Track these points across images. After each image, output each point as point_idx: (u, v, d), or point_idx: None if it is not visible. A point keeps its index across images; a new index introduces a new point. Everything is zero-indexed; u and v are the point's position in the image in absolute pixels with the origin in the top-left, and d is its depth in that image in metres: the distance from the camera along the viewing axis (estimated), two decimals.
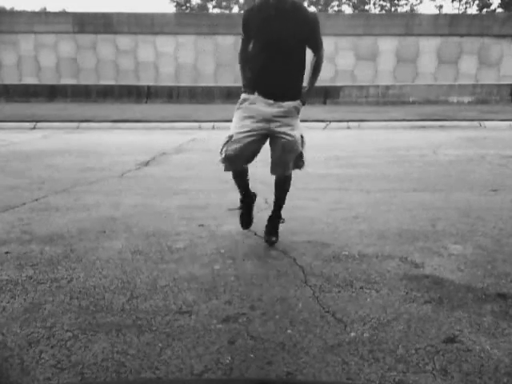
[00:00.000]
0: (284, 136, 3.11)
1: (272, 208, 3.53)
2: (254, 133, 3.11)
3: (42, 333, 2.17)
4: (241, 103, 3.20)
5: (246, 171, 3.40)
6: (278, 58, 3.07)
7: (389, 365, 1.92)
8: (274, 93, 3.11)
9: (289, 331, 2.19)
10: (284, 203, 3.48)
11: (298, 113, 3.23)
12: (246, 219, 3.56)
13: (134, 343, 2.08)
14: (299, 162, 3.26)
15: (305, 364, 1.93)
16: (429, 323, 2.25)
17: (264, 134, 3.15)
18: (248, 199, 3.55)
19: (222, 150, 3.16)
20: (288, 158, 3.18)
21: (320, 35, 3.20)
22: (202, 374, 1.87)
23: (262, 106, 3.12)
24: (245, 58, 3.28)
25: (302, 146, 3.21)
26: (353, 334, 2.15)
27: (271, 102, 3.12)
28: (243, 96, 3.21)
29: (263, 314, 2.36)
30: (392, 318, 2.30)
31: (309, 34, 3.12)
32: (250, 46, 3.21)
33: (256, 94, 3.14)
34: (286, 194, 3.45)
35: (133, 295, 2.57)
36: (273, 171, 3.30)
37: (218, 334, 2.15)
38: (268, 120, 3.11)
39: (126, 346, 2.06)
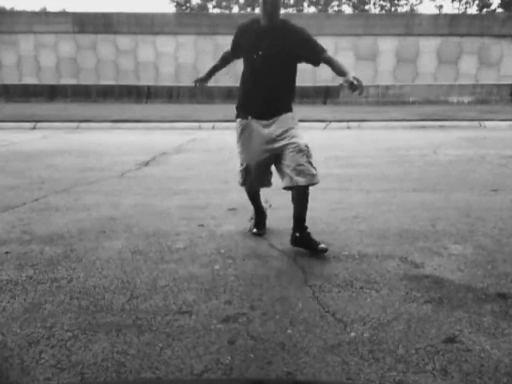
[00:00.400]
0: (289, 145, 3.10)
1: (294, 225, 3.23)
2: (263, 155, 3.21)
3: (41, 333, 2.17)
4: (240, 131, 3.28)
5: (258, 191, 3.63)
6: (268, 77, 3.10)
7: (389, 365, 1.92)
8: (265, 112, 3.16)
9: (289, 331, 2.19)
10: (305, 214, 3.22)
11: (294, 119, 3.24)
12: (260, 225, 3.67)
13: (133, 343, 2.08)
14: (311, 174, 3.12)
15: (305, 364, 1.93)
16: (429, 323, 2.25)
17: (273, 152, 3.20)
18: (260, 215, 3.70)
19: (240, 176, 3.41)
20: (304, 162, 3.07)
21: (316, 41, 3.10)
22: (202, 374, 1.87)
23: (259, 128, 3.18)
24: (226, 58, 3.51)
25: (310, 156, 3.14)
26: (353, 334, 2.15)
27: (265, 122, 3.16)
28: (238, 121, 3.29)
29: (263, 313, 2.36)
30: (392, 318, 2.30)
31: (303, 44, 3.05)
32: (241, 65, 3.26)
33: (249, 117, 3.21)
34: (305, 207, 3.21)
35: (133, 295, 2.57)
36: (293, 182, 3.07)
37: (218, 334, 2.15)
38: (271, 140, 3.16)
39: (126, 346, 2.06)
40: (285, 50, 3.05)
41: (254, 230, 3.61)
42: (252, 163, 3.29)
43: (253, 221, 3.72)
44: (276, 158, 3.21)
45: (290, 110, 3.23)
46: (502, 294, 2.57)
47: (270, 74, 3.10)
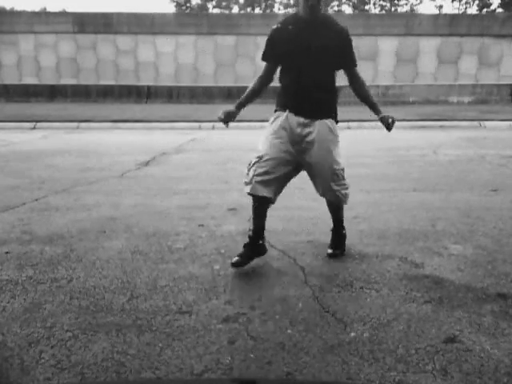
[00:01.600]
0: (318, 161, 2.89)
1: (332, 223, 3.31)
2: (283, 155, 2.86)
3: (41, 333, 2.17)
4: (273, 120, 2.96)
5: (267, 206, 3.05)
6: (309, 71, 2.85)
7: (389, 365, 1.92)
8: (305, 108, 2.87)
9: (289, 331, 2.19)
10: (343, 217, 3.27)
11: (333, 132, 2.95)
12: (244, 255, 2.93)
13: (134, 343, 2.08)
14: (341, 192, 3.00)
15: (305, 364, 1.93)
16: (429, 323, 2.25)
17: (294, 159, 2.91)
18: (255, 240, 3.00)
19: (249, 170, 2.89)
20: (330, 183, 2.94)
21: (353, 51, 3.00)
22: (202, 374, 1.87)
23: (294, 124, 2.87)
24: (261, 83, 3.00)
25: (343, 177, 3.00)
26: (353, 334, 2.15)
27: (302, 120, 2.86)
28: (274, 114, 2.97)
29: (263, 313, 2.36)
30: (392, 318, 2.30)
31: (341, 46, 2.91)
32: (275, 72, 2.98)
33: (287, 111, 2.89)
34: (341, 213, 3.24)
35: (133, 295, 2.57)
36: (322, 194, 3.08)
37: (217, 334, 2.15)
38: (297, 142, 2.87)
39: (126, 346, 2.06)
40: (329, 46, 2.86)
41: (235, 259, 2.88)
42: (270, 156, 2.85)
43: (243, 250, 2.96)
44: (299, 168, 2.99)
45: (331, 115, 2.96)
46: (502, 294, 2.57)
47: (313, 69, 2.85)
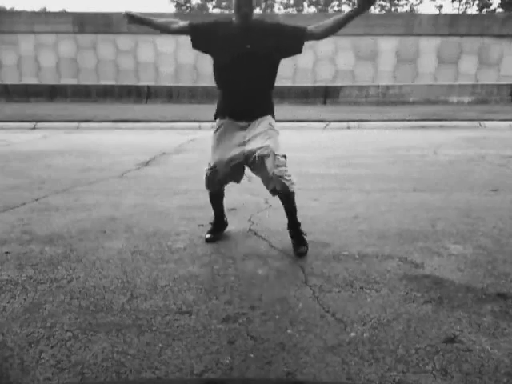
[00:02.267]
0: (259, 151, 2.99)
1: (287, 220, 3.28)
2: (235, 162, 3.12)
3: (42, 333, 2.17)
4: (215, 129, 3.21)
5: (222, 195, 3.47)
6: (244, 77, 2.98)
7: (389, 365, 1.92)
8: (243, 113, 3.08)
9: (289, 331, 2.19)
10: (296, 211, 3.24)
11: (273, 127, 3.11)
12: (215, 230, 3.51)
13: (134, 343, 2.08)
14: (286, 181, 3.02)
15: (305, 364, 1.93)
16: (429, 323, 2.25)
17: (243, 159, 3.11)
18: (220, 220, 3.54)
19: (206, 183, 3.29)
20: (275, 170, 2.97)
21: (293, 26, 3.01)
22: (202, 374, 1.87)
23: (235, 129, 3.11)
24: (170, 25, 3.12)
25: (285, 164, 3.02)
26: (353, 334, 2.15)
27: (243, 123, 3.09)
28: (217, 122, 3.22)
29: (263, 313, 2.36)
30: (392, 318, 2.30)
31: (279, 36, 2.97)
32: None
33: (227, 118, 3.14)
34: (294, 206, 3.22)
35: (133, 295, 2.57)
36: (271, 190, 3.14)
37: (217, 334, 2.15)
38: (243, 143, 3.08)
39: (126, 346, 2.06)
40: (265, 50, 2.95)
41: (207, 236, 3.43)
42: (222, 161, 3.12)
43: (210, 226, 3.52)
44: (247, 161, 3.10)
45: (267, 113, 3.12)
46: (502, 293, 2.57)
47: (248, 75, 2.98)
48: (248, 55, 2.95)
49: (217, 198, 3.46)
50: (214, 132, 3.22)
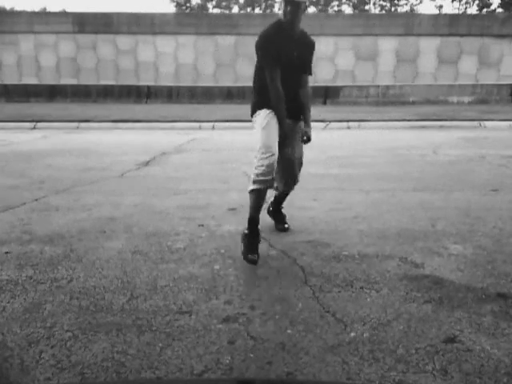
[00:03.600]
0: (295, 154, 3.38)
1: (273, 201, 3.77)
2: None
3: (42, 333, 2.17)
4: (270, 118, 3.14)
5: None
6: (291, 81, 3.19)
7: (389, 365, 1.92)
8: (290, 114, 3.23)
9: (289, 331, 2.19)
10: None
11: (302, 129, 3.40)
12: (254, 248, 3.04)
13: (134, 343, 2.08)
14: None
15: (305, 364, 1.93)
16: (429, 323, 2.25)
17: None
18: (256, 232, 3.13)
19: (268, 171, 3.02)
20: (298, 172, 3.50)
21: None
22: (201, 374, 1.87)
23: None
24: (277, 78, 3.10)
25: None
26: (353, 334, 2.15)
27: (289, 122, 3.25)
28: (264, 111, 3.17)
29: (263, 313, 2.36)
30: (392, 318, 2.30)
31: (309, 57, 3.29)
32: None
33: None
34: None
35: (133, 295, 2.57)
36: (286, 187, 3.57)
37: (218, 334, 2.15)
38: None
39: (126, 346, 2.06)
40: (305, 58, 3.25)
41: (250, 256, 2.95)
42: (275, 147, 3.10)
43: (244, 242, 3.07)
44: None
45: (301, 117, 3.38)
46: (502, 293, 2.57)
47: (295, 80, 3.23)
48: (297, 62, 3.20)
49: (265, 195, 3.16)
50: (269, 119, 3.13)
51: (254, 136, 3.19)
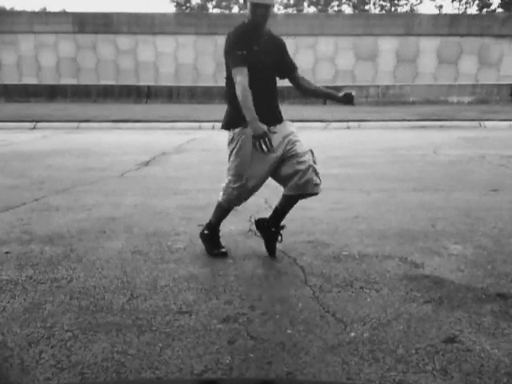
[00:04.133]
0: (295, 151, 2.94)
1: (272, 216, 3.17)
2: (271, 167, 2.95)
3: (42, 333, 2.17)
4: (242, 142, 2.91)
5: None
6: (266, 85, 3.02)
7: (389, 365, 1.92)
8: (272, 119, 2.97)
9: (289, 331, 2.19)
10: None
11: (292, 125, 3.13)
12: (219, 243, 3.19)
13: (134, 343, 2.08)
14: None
15: (305, 364, 1.93)
16: (429, 323, 2.25)
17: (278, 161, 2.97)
18: (218, 231, 3.23)
19: (234, 200, 3.03)
20: (312, 172, 2.93)
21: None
22: (201, 374, 1.87)
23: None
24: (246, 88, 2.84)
25: (314, 161, 2.98)
26: (353, 334, 2.15)
27: (271, 128, 2.93)
28: (239, 131, 2.93)
29: (263, 313, 2.36)
30: (392, 318, 2.30)
31: (284, 56, 3.14)
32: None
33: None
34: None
35: (133, 295, 2.57)
36: (300, 189, 2.95)
37: (217, 334, 2.15)
38: (277, 147, 2.91)
39: (126, 346, 2.06)
40: (278, 59, 3.09)
41: (222, 250, 3.14)
42: (258, 178, 2.96)
43: (206, 241, 3.20)
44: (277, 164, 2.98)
45: (282, 117, 3.12)
46: (501, 294, 2.57)
47: (269, 82, 3.06)
48: (269, 64, 3.03)
49: (229, 211, 3.20)
50: (241, 144, 2.93)
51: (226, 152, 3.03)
